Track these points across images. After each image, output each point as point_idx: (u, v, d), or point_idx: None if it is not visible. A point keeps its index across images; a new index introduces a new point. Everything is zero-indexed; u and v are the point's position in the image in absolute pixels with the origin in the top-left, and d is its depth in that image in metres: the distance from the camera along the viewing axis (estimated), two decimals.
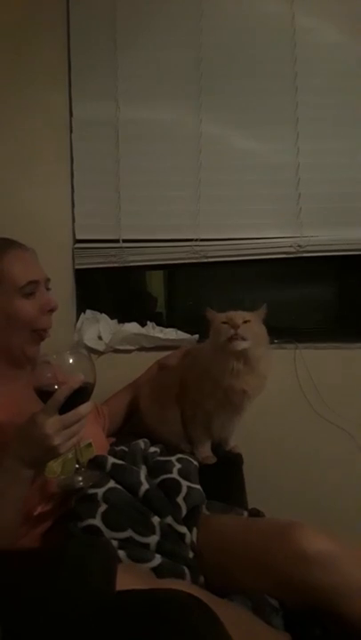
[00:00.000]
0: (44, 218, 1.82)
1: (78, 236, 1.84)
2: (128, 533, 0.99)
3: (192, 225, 1.81)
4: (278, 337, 1.85)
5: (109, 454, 1.18)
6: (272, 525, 1.02)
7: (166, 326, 1.88)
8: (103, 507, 1.02)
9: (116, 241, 1.82)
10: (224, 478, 1.39)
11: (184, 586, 0.87)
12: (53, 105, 1.84)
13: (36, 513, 1.05)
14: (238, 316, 1.32)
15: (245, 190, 1.81)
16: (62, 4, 1.83)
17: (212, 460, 1.43)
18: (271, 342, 1.82)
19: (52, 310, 1.19)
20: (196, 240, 1.81)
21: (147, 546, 0.99)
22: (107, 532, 0.98)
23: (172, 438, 1.42)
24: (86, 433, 1.10)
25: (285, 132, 1.80)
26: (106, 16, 1.82)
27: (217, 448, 1.49)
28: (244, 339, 1.29)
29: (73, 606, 0.63)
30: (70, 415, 0.93)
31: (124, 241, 1.82)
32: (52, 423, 0.91)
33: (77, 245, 1.83)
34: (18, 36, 1.84)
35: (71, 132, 1.84)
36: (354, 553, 0.94)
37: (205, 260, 1.82)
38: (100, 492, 1.04)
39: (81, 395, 0.95)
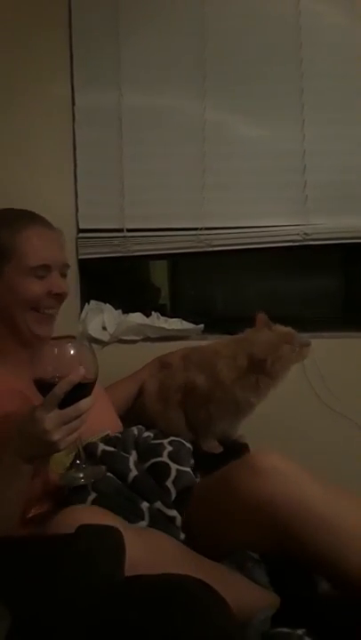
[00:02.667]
0: (46, 207, 1.76)
1: (82, 226, 1.82)
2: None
3: (196, 213, 1.79)
4: (284, 326, 1.83)
5: (101, 441, 1.17)
6: (234, 462, 1.04)
7: (171, 316, 1.87)
8: (92, 495, 1.02)
9: (120, 230, 1.80)
10: None
11: (174, 542, 0.92)
12: (56, 93, 1.82)
13: (36, 511, 1.04)
14: (294, 335, 1.31)
15: (250, 178, 1.79)
16: None
17: (219, 449, 1.41)
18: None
19: (58, 295, 1.17)
20: (201, 229, 1.79)
21: None
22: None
23: (174, 434, 1.41)
24: (101, 420, 1.10)
25: (291, 118, 1.77)
26: (108, 2, 1.80)
27: (223, 438, 1.48)
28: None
29: (82, 593, 0.63)
30: (70, 410, 0.91)
31: (128, 230, 1.80)
32: (51, 419, 0.89)
33: (81, 235, 1.82)
34: (19, 25, 1.81)
35: (74, 120, 1.81)
36: (308, 474, 0.97)
37: (210, 249, 1.80)
38: (61, 484, 1.05)
39: (82, 389, 0.93)
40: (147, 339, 1.81)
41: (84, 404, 0.92)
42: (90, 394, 0.95)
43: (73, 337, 1.47)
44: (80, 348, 0.97)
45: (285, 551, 0.94)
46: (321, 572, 0.94)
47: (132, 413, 1.47)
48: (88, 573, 0.65)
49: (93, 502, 1.01)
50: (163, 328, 1.79)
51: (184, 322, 1.84)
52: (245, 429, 1.55)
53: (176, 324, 1.83)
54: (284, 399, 1.74)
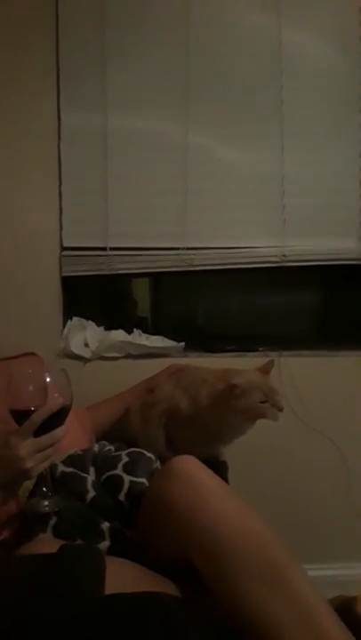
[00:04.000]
0: (31, 225, 1.83)
1: (65, 244, 1.84)
2: (77, 542, 0.99)
3: (179, 233, 1.84)
4: (263, 345, 1.88)
5: (63, 460, 1.17)
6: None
7: (152, 333, 1.90)
8: (54, 520, 1.03)
9: (104, 249, 1.83)
10: None
11: (133, 566, 0.90)
12: (42, 112, 1.84)
13: (2, 537, 1.04)
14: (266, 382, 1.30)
15: (231, 200, 1.84)
16: (51, 12, 1.83)
17: None
18: (256, 350, 1.86)
19: None
20: (183, 249, 1.83)
21: None
22: (57, 543, 0.97)
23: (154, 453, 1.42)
24: (70, 438, 1.10)
25: (271, 143, 1.83)
26: (95, 25, 1.84)
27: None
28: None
29: (65, 610, 0.65)
30: (46, 438, 0.92)
31: (112, 249, 1.83)
32: (26, 446, 0.90)
33: (65, 253, 1.84)
34: (6, 44, 1.84)
35: (59, 139, 1.84)
36: (220, 487, 0.95)
37: (192, 269, 1.84)
38: (26, 512, 1.04)
39: (57, 417, 0.94)
40: (128, 356, 1.83)
41: (58, 432, 0.93)
42: (64, 422, 0.96)
43: (33, 353, 1.49)
44: (56, 375, 0.98)
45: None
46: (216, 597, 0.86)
47: (115, 432, 1.48)
48: (71, 591, 0.67)
49: (54, 526, 1.02)
50: (144, 345, 1.81)
51: (165, 339, 1.87)
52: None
53: (158, 341, 1.86)
54: None
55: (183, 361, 1.72)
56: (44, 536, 0.99)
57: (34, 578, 0.69)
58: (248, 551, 0.84)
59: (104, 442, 1.30)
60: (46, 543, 0.89)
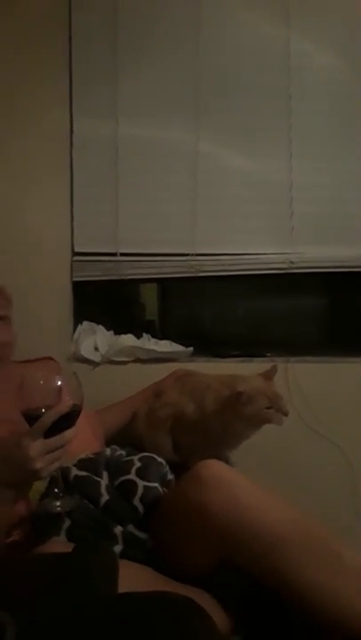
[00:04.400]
0: (43, 231, 1.86)
1: (77, 249, 1.87)
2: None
3: (188, 240, 1.86)
4: (270, 350, 1.89)
5: (75, 464, 1.18)
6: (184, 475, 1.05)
7: (161, 338, 1.92)
8: (67, 523, 1.04)
9: (114, 254, 1.85)
10: None
11: (146, 570, 0.93)
12: (54, 120, 1.88)
13: (13, 538, 1.06)
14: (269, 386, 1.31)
15: (240, 207, 1.87)
16: (64, 22, 1.88)
17: None
18: (263, 356, 1.88)
19: (3, 343, 1.27)
20: (192, 255, 1.86)
21: None
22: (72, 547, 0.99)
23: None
24: (80, 442, 1.11)
25: (279, 151, 1.86)
26: (107, 35, 1.87)
27: None
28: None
29: (78, 609, 0.67)
30: (55, 440, 0.93)
31: (122, 254, 1.85)
32: (36, 447, 0.91)
33: (76, 258, 1.87)
34: (19, 53, 1.88)
35: (71, 147, 1.88)
36: (247, 482, 0.97)
37: (200, 274, 1.86)
38: (38, 512, 1.06)
39: (67, 419, 0.95)
40: (137, 360, 1.85)
41: (68, 434, 0.95)
42: (74, 424, 0.97)
43: (50, 358, 1.51)
44: (67, 377, 0.99)
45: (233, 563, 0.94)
46: (269, 588, 0.92)
47: (122, 436, 1.50)
48: (86, 589, 0.69)
49: (68, 530, 1.03)
50: (153, 350, 1.83)
51: (174, 344, 1.89)
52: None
53: (166, 346, 1.88)
54: None
55: (191, 365, 1.75)
56: (58, 539, 1.00)
57: (47, 575, 0.71)
58: (295, 537, 0.89)
59: (115, 446, 1.31)
60: (60, 545, 0.90)
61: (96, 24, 1.88)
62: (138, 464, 1.17)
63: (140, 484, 1.12)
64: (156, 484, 1.14)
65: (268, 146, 1.87)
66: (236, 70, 1.88)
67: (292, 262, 1.84)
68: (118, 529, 1.05)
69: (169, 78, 1.88)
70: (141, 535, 1.05)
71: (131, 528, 1.06)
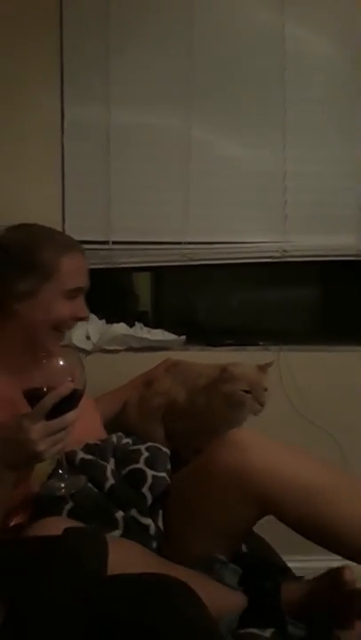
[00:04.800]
0: (35, 218, 1.82)
1: None
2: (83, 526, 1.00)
3: (181, 228, 1.85)
4: (263, 339, 1.90)
5: (82, 449, 1.19)
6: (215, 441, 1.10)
7: (153, 327, 1.91)
8: (69, 504, 1.04)
9: (106, 242, 1.84)
10: None
11: (144, 550, 0.96)
12: (46, 107, 1.86)
13: (17, 520, 1.06)
14: (257, 378, 1.29)
15: (233, 196, 1.86)
16: (55, 8, 1.85)
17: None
18: (256, 344, 1.88)
19: (80, 319, 1.23)
20: (185, 243, 1.85)
21: None
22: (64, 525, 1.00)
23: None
24: (86, 430, 1.12)
25: (273, 139, 1.85)
26: (98, 20, 1.85)
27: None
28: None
29: (67, 591, 0.68)
30: (56, 422, 0.92)
31: (114, 242, 1.84)
32: (37, 429, 0.91)
33: None
34: (11, 39, 1.85)
35: (63, 133, 1.86)
36: (279, 443, 1.07)
37: (193, 263, 1.86)
38: (43, 494, 1.06)
39: (69, 401, 0.94)
40: (130, 349, 1.85)
41: (69, 416, 0.94)
42: (76, 406, 0.96)
43: (67, 346, 1.51)
44: (70, 359, 0.98)
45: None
46: (309, 536, 1.01)
47: (114, 425, 1.50)
48: (75, 572, 0.70)
49: (70, 512, 1.03)
50: (145, 339, 1.83)
51: (166, 333, 1.88)
52: None
53: (159, 334, 1.88)
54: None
55: (184, 354, 1.74)
56: (56, 518, 1.00)
57: (37, 559, 0.72)
58: (328, 482, 1.00)
59: (120, 434, 1.32)
60: (53, 524, 0.90)
61: (88, 10, 1.85)
62: (146, 454, 1.19)
63: (150, 473, 1.14)
64: (164, 474, 1.16)
65: (261, 134, 1.86)
66: (229, 56, 1.86)
67: (285, 251, 1.84)
68: (120, 514, 1.06)
69: (162, 64, 1.86)
70: (145, 521, 1.07)
71: (134, 513, 1.07)
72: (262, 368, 1.32)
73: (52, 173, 1.86)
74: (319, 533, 0.99)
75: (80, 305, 1.21)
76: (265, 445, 1.04)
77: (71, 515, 1.03)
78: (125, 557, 0.88)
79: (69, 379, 0.95)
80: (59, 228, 1.84)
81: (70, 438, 0.98)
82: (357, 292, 2.05)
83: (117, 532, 1.03)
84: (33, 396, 0.94)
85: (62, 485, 1.02)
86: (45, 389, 0.93)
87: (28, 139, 1.85)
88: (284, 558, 1.26)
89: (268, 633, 0.89)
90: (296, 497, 0.98)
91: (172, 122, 1.85)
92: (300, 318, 2.10)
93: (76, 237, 1.82)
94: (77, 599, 0.66)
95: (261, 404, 1.26)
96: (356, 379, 1.88)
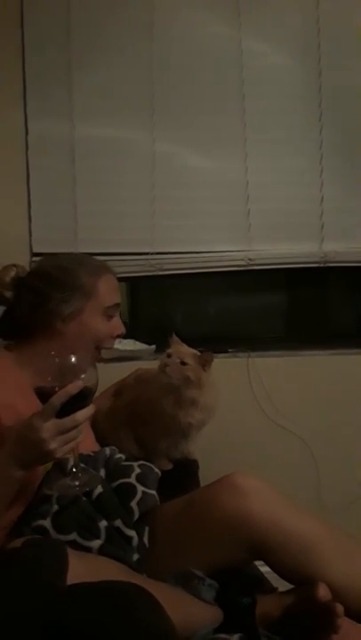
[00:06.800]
0: (1, 232, 1.84)
1: (35, 250, 1.86)
2: (73, 536, 1.01)
3: (147, 239, 1.88)
4: (232, 346, 1.93)
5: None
6: (210, 483, 1.12)
7: (125, 337, 1.91)
8: (55, 507, 1.05)
9: None
10: (180, 484, 1.43)
11: (122, 568, 0.95)
12: (9, 121, 1.87)
13: (12, 513, 1.05)
14: (181, 353, 1.37)
15: (197, 206, 1.90)
16: (16, 22, 1.86)
17: (169, 466, 1.46)
18: (225, 351, 1.91)
19: (118, 336, 1.29)
20: (152, 253, 1.87)
21: (89, 550, 1.01)
22: (53, 534, 1.01)
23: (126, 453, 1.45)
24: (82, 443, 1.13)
25: (234, 150, 1.89)
26: (60, 34, 1.87)
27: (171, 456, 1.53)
28: (172, 375, 1.33)
29: (25, 601, 0.68)
30: (67, 421, 0.92)
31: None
32: (48, 427, 0.91)
33: (35, 259, 1.86)
34: None
35: (27, 148, 1.87)
36: (284, 497, 1.06)
37: (161, 273, 1.88)
38: (55, 493, 1.06)
39: (81, 399, 0.94)
40: (100, 359, 1.84)
41: (80, 414, 0.94)
42: (88, 404, 0.97)
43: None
44: (81, 358, 0.99)
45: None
46: (296, 583, 1.03)
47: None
48: (31, 581, 0.70)
49: (54, 515, 1.03)
50: (116, 349, 1.82)
51: (137, 342, 1.89)
52: (195, 445, 1.61)
53: (129, 344, 1.88)
54: (231, 414, 1.82)
55: (155, 364, 1.75)
56: (43, 522, 1.02)
57: None
58: (322, 536, 1.02)
59: (114, 447, 1.32)
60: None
61: (49, 24, 1.87)
62: (138, 470, 1.19)
63: (140, 488, 1.14)
64: (154, 492, 1.16)
65: (222, 145, 1.90)
66: (189, 70, 1.90)
67: (250, 259, 1.88)
68: (103, 523, 1.06)
69: (123, 78, 1.89)
70: (129, 532, 1.07)
71: (118, 523, 1.07)
72: (203, 361, 1.37)
73: (17, 187, 1.86)
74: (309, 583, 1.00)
75: (117, 323, 1.28)
76: (266, 493, 1.04)
77: (55, 519, 1.03)
78: (97, 571, 0.87)
79: (81, 377, 0.94)
80: (25, 242, 1.86)
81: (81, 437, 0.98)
82: (321, 298, 2.10)
83: (97, 542, 1.03)
84: (44, 395, 0.94)
85: (76, 483, 1.02)
86: (57, 388, 0.93)
87: None
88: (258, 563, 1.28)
89: (235, 638, 0.90)
90: (294, 548, 1.00)
91: (136, 134, 1.88)
92: (268, 324, 2.14)
93: (44, 251, 1.85)
94: (31, 607, 0.66)
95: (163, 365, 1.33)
96: (322, 382, 1.92)
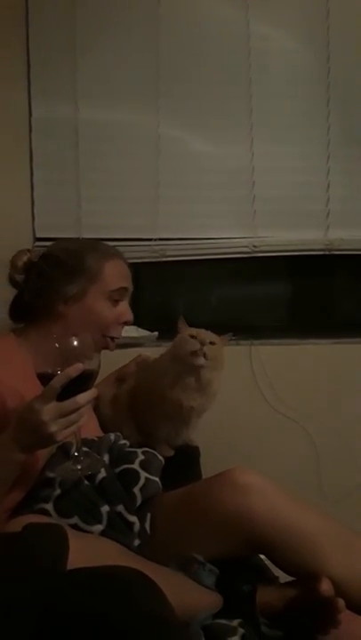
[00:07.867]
0: (3, 216, 1.83)
1: (38, 235, 1.85)
2: (74, 520, 1.01)
3: (151, 225, 1.86)
4: (235, 334, 1.91)
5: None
6: (211, 477, 1.11)
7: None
8: (57, 491, 1.04)
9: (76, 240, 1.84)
10: (181, 471, 1.43)
11: (122, 550, 0.95)
12: (13, 104, 1.85)
13: (13, 498, 1.05)
14: (207, 335, 1.36)
15: (203, 192, 1.88)
16: (21, 5, 1.84)
17: (170, 452, 1.46)
18: (228, 339, 1.90)
19: (126, 323, 1.26)
20: (156, 239, 1.86)
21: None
22: (55, 517, 1.00)
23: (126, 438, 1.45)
24: (85, 427, 1.11)
25: (241, 136, 1.87)
26: (65, 17, 1.84)
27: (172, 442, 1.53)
28: (205, 357, 1.31)
29: (24, 586, 0.68)
30: (68, 403, 0.92)
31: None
32: (48, 410, 0.90)
33: (37, 244, 1.84)
34: None
35: (30, 131, 1.85)
36: (284, 492, 1.05)
37: (164, 259, 1.87)
38: (58, 477, 1.06)
39: (82, 383, 0.93)
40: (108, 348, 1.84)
41: (81, 397, 0.93)
42: (90, 387, 0.96)
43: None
44: (82, 341, 0.98)
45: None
46: (298, 577, 1.03)
47: None
48: (31, 566, 0.70)
49: (57, 499, 1.03)
50: None
51: (140, 329, 1.89)
52: (196, 433, 1.62)
53: (132, 331, 1.87)
54: (233, 403, 1.82)
55: (157, 350, 1.75)
56: (45, 506, 1.02)
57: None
58: (322, 532, 1.01)
59: (119, 434, 1.32)
60: (22, 523, 0.90)
61: (54, 7, 1.84)
62: (142, 456, 1.19)
63: (143, 474, 1.14)
64: (157, 479, 1.16)
65: (229, 130, 1.87)
66: (196, 54, 1.87)
67: (254, 246, 1.86)
68: (105, 508, 1.06)
69: (129, 61, 1.86)
70: (131, 518, 1.07)
71: (120, 508, 1.07)
72: (222, 341, 1.38)
73: (20, 171, 1.85)
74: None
75: (124, 309, 1.26)
76: (266, 490, 1.03)
77: (57, 503, 1.03)
78: (97, 553, 0.88)
79: (81, 360, 0.93)
80: (28, 227, 1.85)
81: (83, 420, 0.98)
82: (326, 286, 2.08)
83: (99, 527, 1.03)
84: (45, 378, 0.93)
85: (78, 467, 1.02)
86: (59, 372, 0.92)
87: None
88: None
89: (235, 623, 0.91)
90: (295, 543, 1.00)
91: (140, 118, 1.86)
92: (271, 312, 2.13)
93: (47, 235, 1.84)
94: (30, 592, 0.66)
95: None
96: (325, 371, 1.91)
